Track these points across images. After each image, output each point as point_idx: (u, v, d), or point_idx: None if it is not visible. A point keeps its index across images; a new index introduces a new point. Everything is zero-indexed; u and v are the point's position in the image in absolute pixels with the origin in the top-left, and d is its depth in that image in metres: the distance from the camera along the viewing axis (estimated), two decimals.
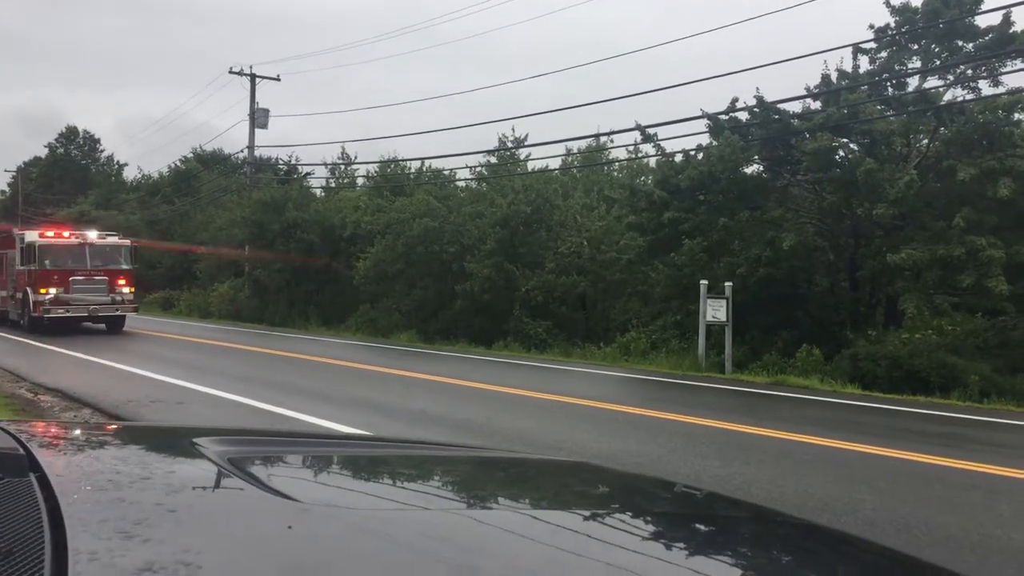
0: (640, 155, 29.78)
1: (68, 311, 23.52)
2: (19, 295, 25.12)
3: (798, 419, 10.95)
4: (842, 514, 6.25)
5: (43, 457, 1.30)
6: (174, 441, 1.77)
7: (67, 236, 25.06)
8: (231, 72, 38.20)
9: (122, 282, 24.73)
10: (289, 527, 1.08)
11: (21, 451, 1.32)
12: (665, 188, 20.61)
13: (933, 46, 19.19)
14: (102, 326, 25.06)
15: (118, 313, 24.55)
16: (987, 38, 18.28)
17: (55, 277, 23.71)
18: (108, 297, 24.24)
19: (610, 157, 33.11)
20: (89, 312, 23.85)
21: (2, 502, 1.07)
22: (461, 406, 11.58)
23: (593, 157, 33.56)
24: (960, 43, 18.83)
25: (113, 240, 25.85)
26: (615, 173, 32.06)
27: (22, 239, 25.29)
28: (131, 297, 25.17)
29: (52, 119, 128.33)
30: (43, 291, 23.42)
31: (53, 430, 1.72)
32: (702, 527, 1.49)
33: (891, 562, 1.44)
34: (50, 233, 25.55)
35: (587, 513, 1.46)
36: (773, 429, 9.86)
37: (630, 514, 1.52)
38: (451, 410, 11.17)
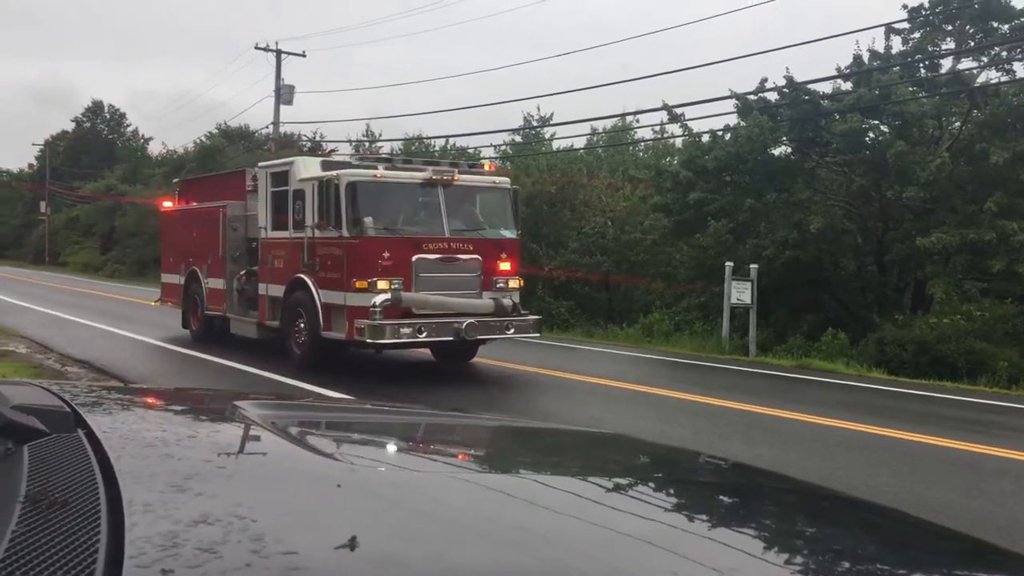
0: (666, 135, 29.59)
1: (423, 332, 11.15)
2: (268, 289, 13.13)
3: (822, 403, 10.89)
4: (867, 497, 6.22)
5: (87, 414, 1.31)
6: (215, 404, 1.78)
7: (395, 168, 12.56)
8: (257, 48, 38.26)
9: (506, 267, 12.41)
10: (338, 486, 1.08)
11: (67, 408, 1.33)
12: (691, 168, 20.47)
13: (968, 27, 18.87)
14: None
15: (511, 334, 11.96)
16: (1023, 19, 17.95)
17: (385, 256, 11.35)
18: (489, 300, 11.77)
19: (636, 137, 32.91)
20: (461, 334, 11.32)
21: (53, 456, 1.07)
22: (484, 385, 11.60)
23: (619, 137, 33.36)
24: (995, 24, 18.50)
25: (486, 179, 12.99)
26: (641, 153, 31.89)
27: (278, 177, 13.02)
28: (517, 296, 12.31)
29: (75, 94, 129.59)
30: (361, 285, 11.14)
31: (95, 391, 1.73)
32: (749, 499, 1.48)
33: (919, 531, 1.42)
34: (347, 160, 14.18)
35: (624, 484, 1.45)
36: (797, 412, 9.82)
37: (667, 485, 1.51)
38: (472, 389, 11.19)
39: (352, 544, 0.88)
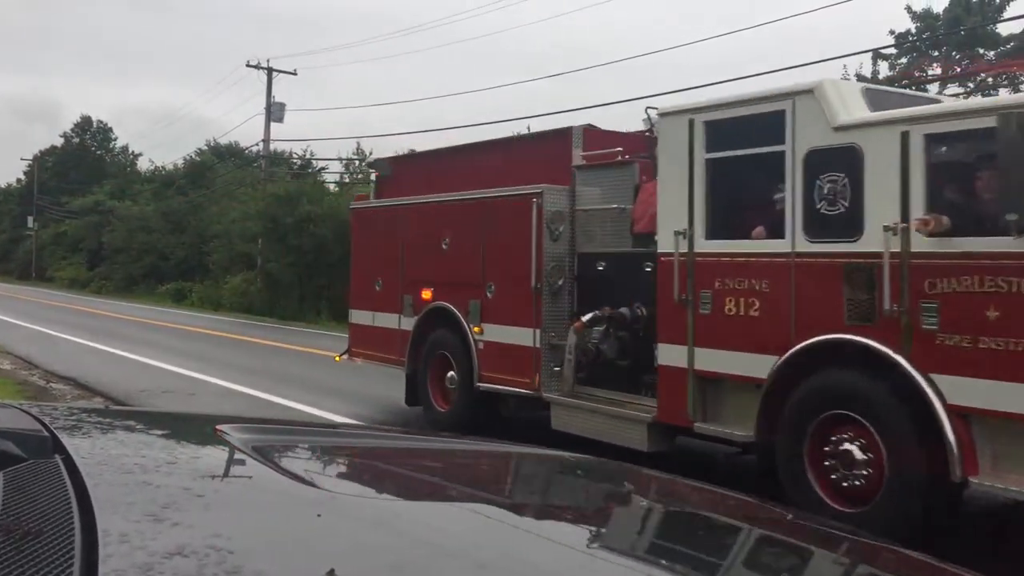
0: None
1: None
2: (700, 358, 6.66)
3: None
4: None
5: (66, 439, 1.29)
6: (197, 428, 1.76)
7: None
8: (248, 66, 38.34)
9: None
10: (319, 515, 1.06)
11: (44, 432, 1.31)
12: None
13: (954, 53, 19.11)
14: None
15: None
16: (1008, 46, 18.19)
17: None
18: None
19: None
20: None
21: (29, 483, 1.06)
22: None
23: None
24: (981, 51, 18.74)
25: None
26: None
27: (739, 127, 6.57)
28: None
29: (63, 111, 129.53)
30: None
31: (75, 413, 1.71)
32: (740, 530, 1.47)
33: (897, 560, 1.42)
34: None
35: (616, 512, 1.44)
36: None
37: (660, 515, 1.50)
38: None
39: None
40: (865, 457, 5.57)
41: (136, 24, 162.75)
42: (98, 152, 76.35)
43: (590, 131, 8.51)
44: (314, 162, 44.87)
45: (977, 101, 5.78)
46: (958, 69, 19.14)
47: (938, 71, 19.48)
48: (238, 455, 1.37)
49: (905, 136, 5.47)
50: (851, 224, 5.77)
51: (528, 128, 34.31)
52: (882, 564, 1.39)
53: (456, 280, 8.92)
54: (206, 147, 53.51)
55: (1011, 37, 18.12)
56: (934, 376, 5.21)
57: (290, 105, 38.34)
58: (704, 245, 6.69)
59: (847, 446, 5.66)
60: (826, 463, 5.77)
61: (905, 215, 5.41)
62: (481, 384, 8.53)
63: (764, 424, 6.13)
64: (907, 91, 7.46)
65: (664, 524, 1.42)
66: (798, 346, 5.94)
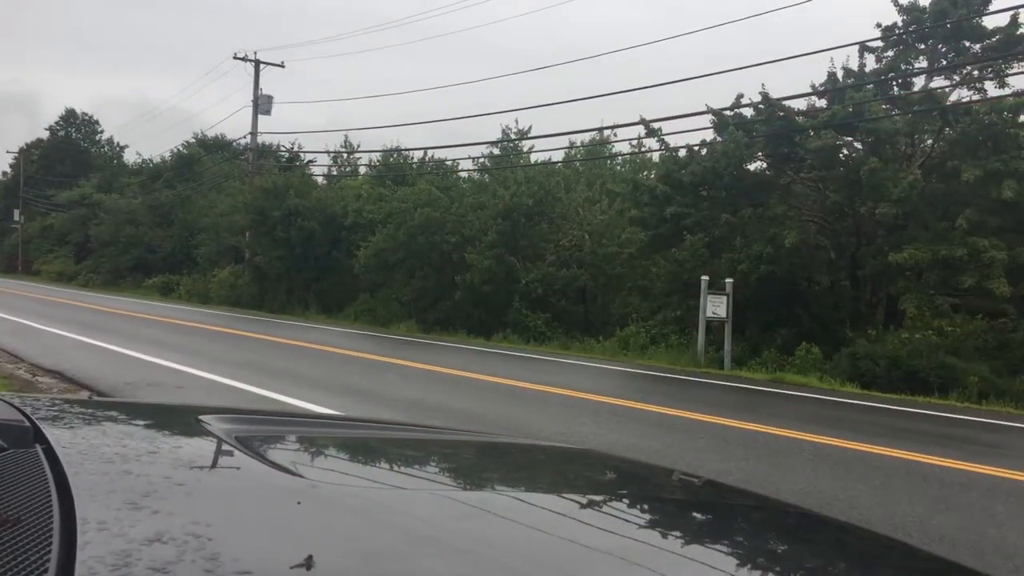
0: (643, 149, 29.76)
1: None
2: None
3: (796, 416, 10.95)
4: (838, 511, 6.25)
5: (48, 429, 1.29)
6: (179, 418, 1.76)
7: None
8: (235, 58, 38.16)
9: None
10: (298, 503, 1.07)
11: (26, 422, 1.31)
12: (668, 183, 20.59)
13: (940, 46, 19.16)
14: None
15: None
16: (994, 39, 18.26)
17: None
18: None
19: (613, 151, 33.12)
20: None
21: (9, 471, 1.06)
22: (459, 396, 11.59)
23: (596, 150, 33.54)
24: (967, 44, 18.80)
25: None
26: (618, 167, 32.05)
27: None
28: None
29: (48, 106, 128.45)
30: None
31: (57, 403, 1.71)
32: (720, 517, 1.48)
33: (889, 551, 1.43)
34: None
35: (596, 500, 1.45)
36: (771, 426, 9.86)
37: (639, 502, 1.51)
38: (449, 400, 11.17)
39: (308, 563, 0.87)
40: None
41: (116, 15, 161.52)
42: (84, 145, 75.81)
43: None
44: (302, 155, 44.71)
45: None
46: (943, 62, 19.21)
47: (924, 64, 19.56)
48: (221, 445, 1.37)
49: None
50: None
51: (516, 121, 34.16)
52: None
53: None
54: (193, 140, 53.24)
55: (997, 30, 18.17)
56: None
57: (278, 98, 38.16)
58: None
59: None
60: None
61: None
62: None
63: None
64: None
65: (642, 509, 1.44)
66: None
